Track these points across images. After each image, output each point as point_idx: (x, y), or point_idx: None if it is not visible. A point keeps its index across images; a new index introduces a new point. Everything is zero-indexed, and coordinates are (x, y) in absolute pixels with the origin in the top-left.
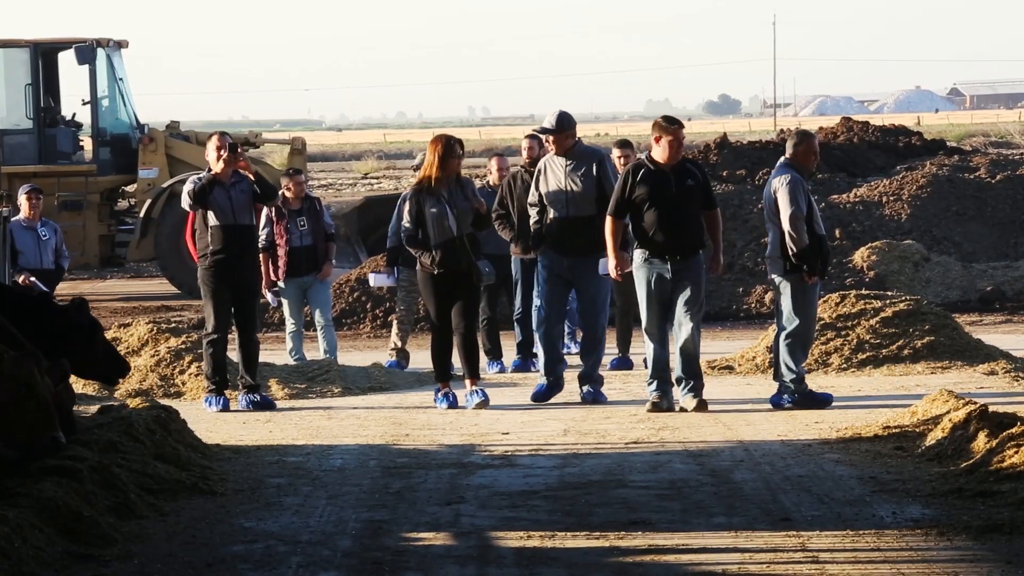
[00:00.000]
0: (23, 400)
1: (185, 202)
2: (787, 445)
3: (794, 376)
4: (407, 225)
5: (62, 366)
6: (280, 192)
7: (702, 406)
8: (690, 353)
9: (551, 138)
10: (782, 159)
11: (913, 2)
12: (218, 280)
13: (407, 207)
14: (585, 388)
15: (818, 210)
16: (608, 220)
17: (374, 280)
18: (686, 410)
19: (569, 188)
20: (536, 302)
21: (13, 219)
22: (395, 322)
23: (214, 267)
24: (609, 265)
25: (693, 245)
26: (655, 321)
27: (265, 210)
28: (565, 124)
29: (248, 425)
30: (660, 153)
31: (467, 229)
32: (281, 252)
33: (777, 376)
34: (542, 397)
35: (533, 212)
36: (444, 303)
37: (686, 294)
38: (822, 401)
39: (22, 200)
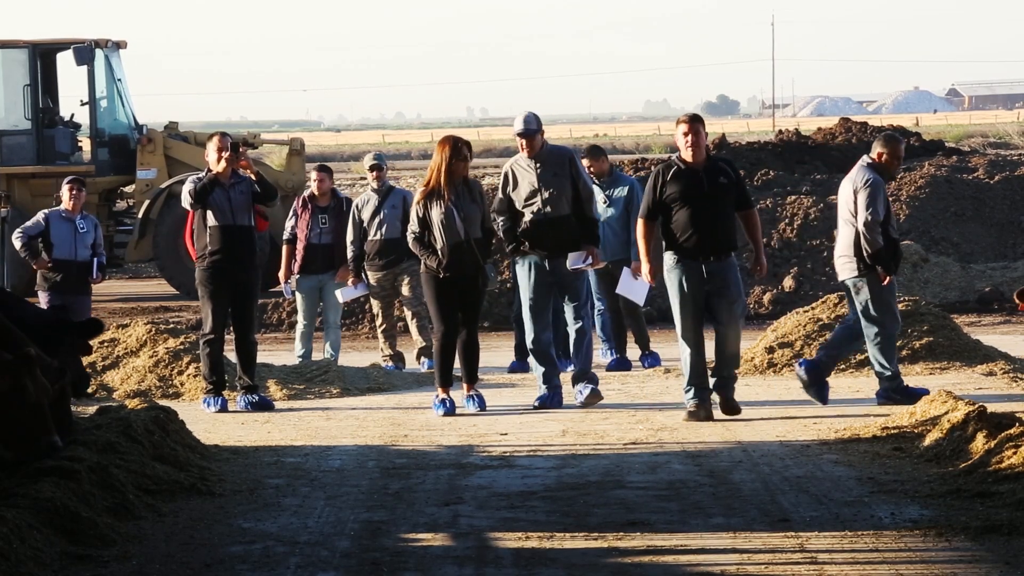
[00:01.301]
0: (15, 405)
1: (186, 201)
2: (785, 446)
3: (889, 374)
4: (413, 228)
5: (57, 366)
6: (309, 189)
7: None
8: (733, 355)
9: (525, 140)
10: (865, 160)
11: (911, 3)
12: (216, 281)
13: (414, 210)
14: (579, 387)
15: (890, 209)
16: (640, 223)
17: (342, 296)
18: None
19: (544, 189)
20: (524, 311)
21: (52, 209)
22: (379, 331)
23: (212, 268)
24: (643, 270)
25: (727, 245)
26: (690, 325)
27: (294, 203)
28: (540, 124)
29: (246, 426)
30: (685, 151)
31: (476, 233)
32: (299, 246)
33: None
34: (548, 404)
35: (500, 219)
36: (448, 307)
37: (728, 296)
38: (917, 395)
39: (64, 190)
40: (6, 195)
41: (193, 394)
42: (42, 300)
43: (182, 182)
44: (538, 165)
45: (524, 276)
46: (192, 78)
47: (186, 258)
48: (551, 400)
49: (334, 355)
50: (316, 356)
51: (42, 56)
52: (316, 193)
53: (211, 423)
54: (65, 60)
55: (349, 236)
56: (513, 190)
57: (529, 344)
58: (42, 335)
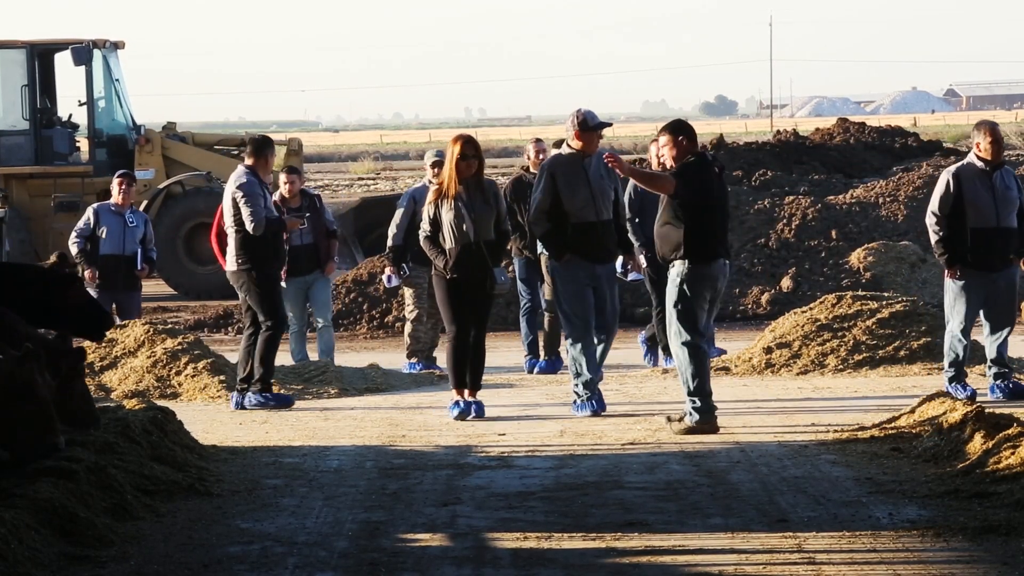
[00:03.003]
0: (22, 403)
1: (256, 230)
2: (783, 446)
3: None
4: (425, 227)
5: (76, 356)
6: (278, 192)
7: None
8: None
9: (597, 133)
10: None
11: (909, 3)
12: (276, 278)
13: (427, 210)
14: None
15: (990, 200)
16: None
17: (388, 283)
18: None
19: (596, 192)
20: (564, 315)
21: (100, 204)
22: (408, 323)
23: (271, 268)
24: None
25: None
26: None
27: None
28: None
29: (244, 426)
30: None
31: (487, 235)
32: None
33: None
34: (601, 412)
35: (542, 219)
36: (459, 309)
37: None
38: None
39: (113, 184)
40: (4, 195)
41: (191, 394)
42: None
43: (180, 183)
44: (590, 165)
45: (568, 280)
46: (190, 78)
47: (184, 259)
48: (600, 406)
49: (327, 356)
50: (312, 356)
51: (40, 56)
52: (287, 195)
53: (209, 423)
54: (63, 60)
55: (394, 226)
56: (564, 192)
57: (579, 352)
58: (49, 290)
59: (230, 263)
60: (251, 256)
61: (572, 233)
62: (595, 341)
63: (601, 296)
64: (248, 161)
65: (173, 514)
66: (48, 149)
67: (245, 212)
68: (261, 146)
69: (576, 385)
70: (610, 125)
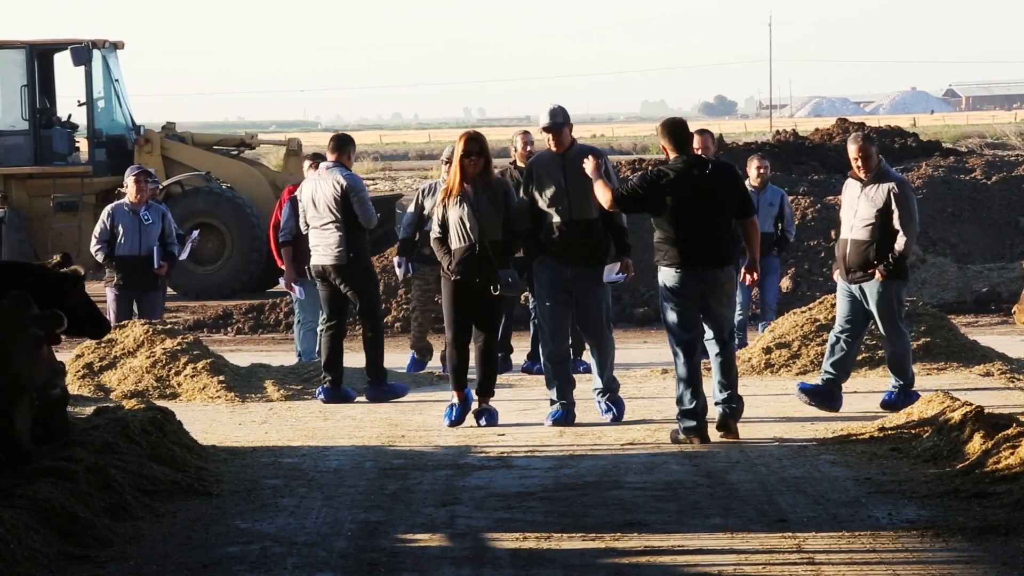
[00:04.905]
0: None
1: (368, 224)
2: (783, 446)
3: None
4: (435, 228)
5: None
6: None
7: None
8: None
9: (552, 135)
10: None
11: (909, 3)
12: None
13: (436, 211)
14: (603, 401)
15: (848, 212)
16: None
17: (397, 268)
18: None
19: (572, 190)
20: (539, 320)
21: (116, 204)
22: (413, 321)
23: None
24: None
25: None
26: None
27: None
28: (566, 118)
29: (244, 426)
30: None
31: (494, 235)
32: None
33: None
34: (563, 422)
35: (523, 218)
36: (462, 311)
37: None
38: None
39: (128, 182)
40: (3, 195)
41: (190, 394)
42: (109, 298)
43: (180, 183)
44: (566, 162)
45: (542, 282)
46: (190, 78)
47: (184, 259)
48: (565, 418)
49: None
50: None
51: (39, 56)
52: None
53: (208, 423)
54: (63, 60)
55: (404, 218)
56: (537, 190)
57: (544, 358)
58: (50, 290)
59: (335, 257)
60: (362, 250)
61: (545, 233)
62: (568, 347)
63: (580, 300)
64: (331, 157)
65: (172, 514)
66: (47, 149)
67: (360, 207)
68: (344, 142)
69: (552, 392)
70: (561, 125)
